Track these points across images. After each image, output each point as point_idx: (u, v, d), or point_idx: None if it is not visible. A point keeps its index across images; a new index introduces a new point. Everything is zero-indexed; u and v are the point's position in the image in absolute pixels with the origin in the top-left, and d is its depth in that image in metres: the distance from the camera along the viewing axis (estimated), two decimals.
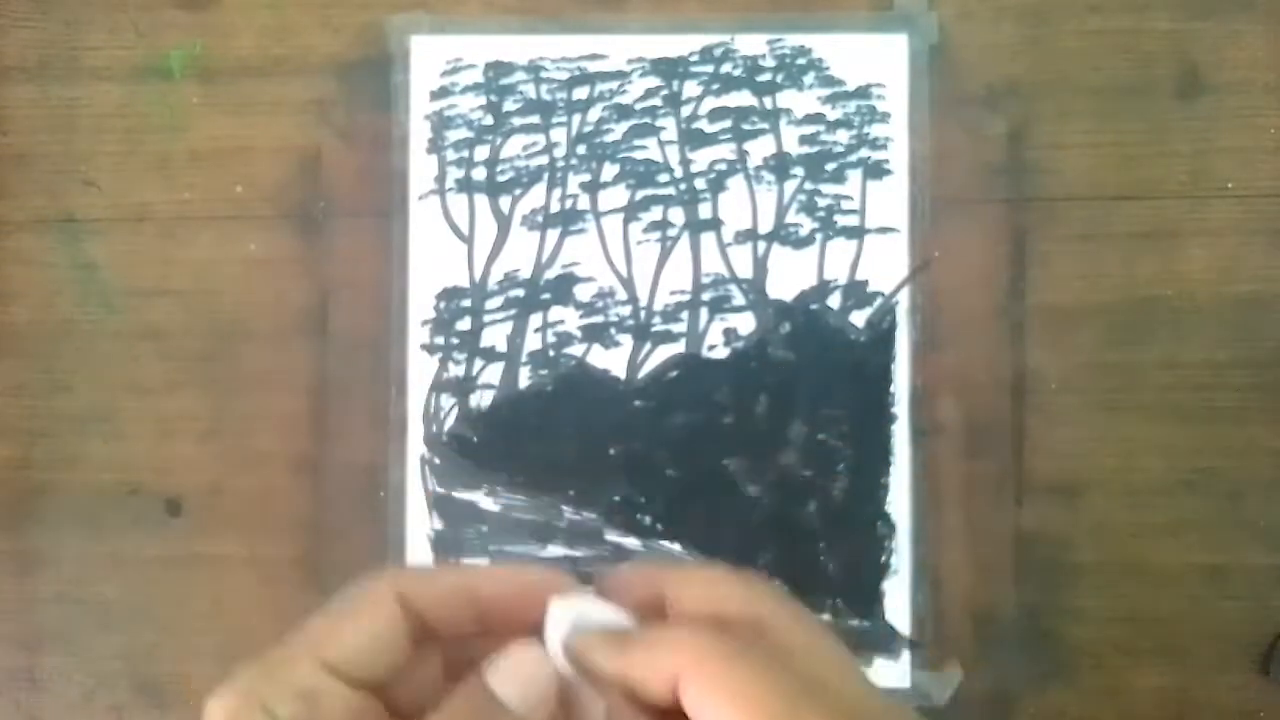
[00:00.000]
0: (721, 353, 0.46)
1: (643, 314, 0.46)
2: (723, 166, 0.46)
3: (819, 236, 0.46)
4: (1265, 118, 0.46)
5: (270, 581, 0.46)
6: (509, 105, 0.46)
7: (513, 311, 0.46)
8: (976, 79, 0.46)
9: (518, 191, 0.46)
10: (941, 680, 0.45)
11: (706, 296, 0.46)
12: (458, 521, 0.46)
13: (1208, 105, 0.46)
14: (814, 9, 0.46)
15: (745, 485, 0.45)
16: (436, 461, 0.46)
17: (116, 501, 0.47)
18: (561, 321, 0.46)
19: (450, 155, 0.46)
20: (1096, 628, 0.45)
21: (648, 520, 0.45)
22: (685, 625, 0.27)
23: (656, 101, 0.46)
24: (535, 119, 0.46)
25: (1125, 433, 0.45)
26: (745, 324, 0.46)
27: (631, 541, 0.45)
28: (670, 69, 0.46)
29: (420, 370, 0.46)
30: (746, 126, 0.46)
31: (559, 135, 0.46)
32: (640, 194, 0.46)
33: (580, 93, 0.46)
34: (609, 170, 0.46)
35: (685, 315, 0.46)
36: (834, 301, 0.46)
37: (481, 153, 0.46)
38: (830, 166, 0.46)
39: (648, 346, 0.46)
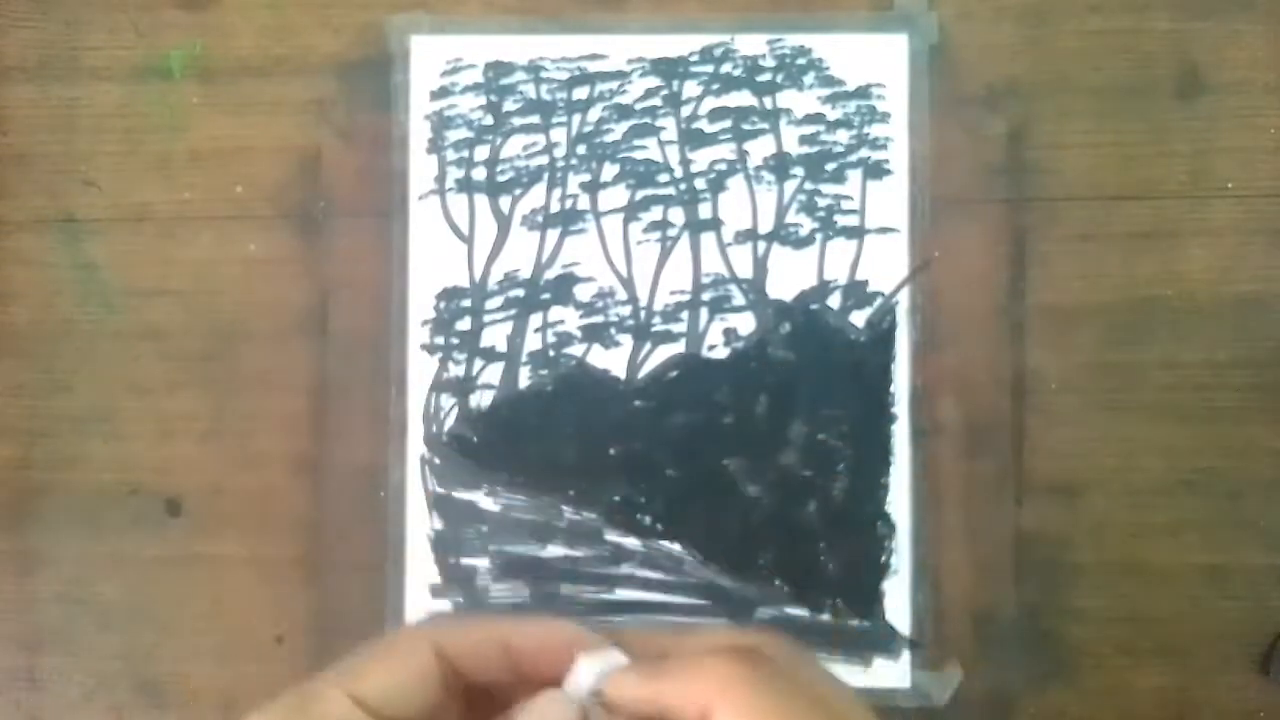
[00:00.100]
0: (721, 353, 0.46)
1: (643, 314, 0.46)
2: (723, 166, 0.46)
3: (819, 236, 0.46)
4: (1265, 118, 0.46)
5: (270, 581, 0.46)
6: (509, 105, 0.46)
7: (513, 311, 0.46)
8: (976, 79, 0.46)
9: (518, 191, 0.46)
10: (941, 680, 0.45)
11: (706, 296, 0.46)
12: (458, 521, 0.46)
13: (1208, 105, 0.46)
14: (814, 9, 0.46)
15: (745, 485, 0.45)
16: (436, 461, 0.46)
17: (116, 501, 0.47)
18: (561, 321, 0.46)
19: (450, 155, 0.46)
20: (1096, 628, 0.45)
21: (648, 520, 0.45)
22: (714, 654, 0.28)
23: (656, 101, 0.46)
24: (535, 119, 0.46)
25: (1125, 433, 0.45)
26: (745, 324, 0.46)
27: (631, 541, 0.45)
28: (670, 69, 0.46)
29: (420, 370, 0.46)
30: (746, 126, 0.46)
31: (559, 135, 0.46)
32: (640, 194, 0.46)
33: (580, 93, 0.46)
34: (609, 170, 0.46)
35: (685, 315, 0.46)
36: (834, 301, 0.46)
37: (481, 153, 0.46)
38: (830, 166, 0.46)
39: (648, 346, 0.46)
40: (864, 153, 0.46)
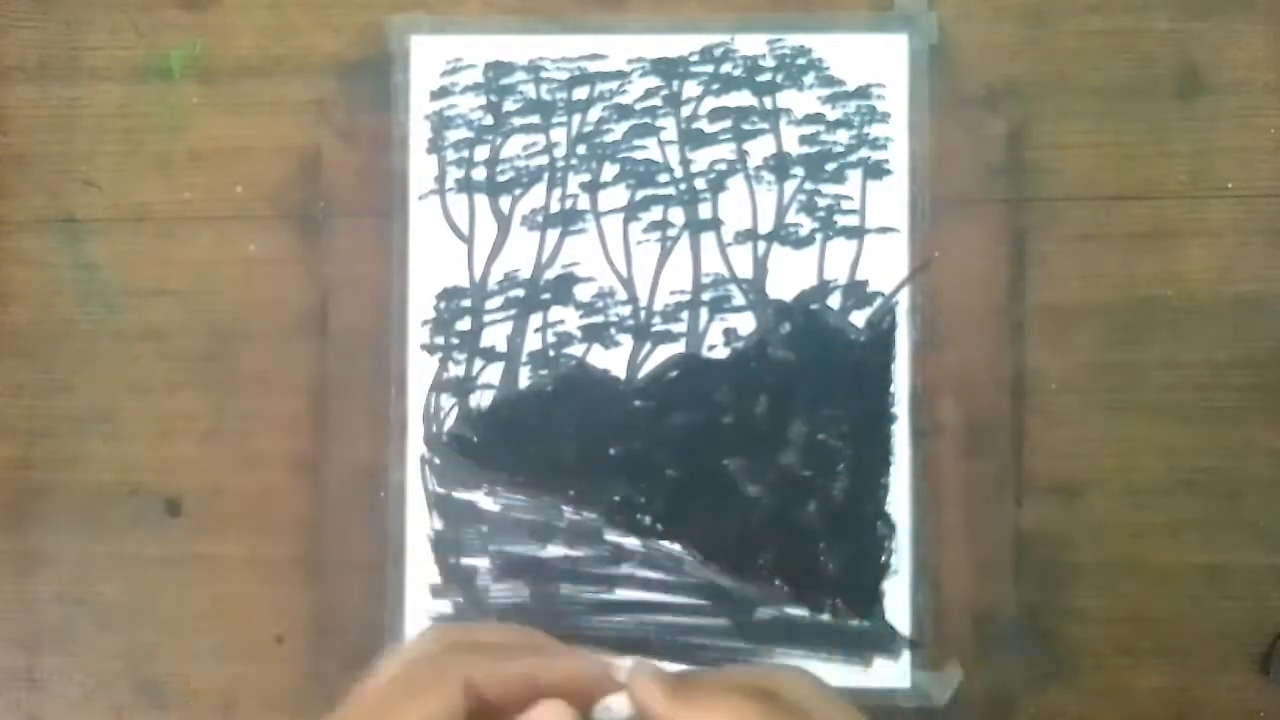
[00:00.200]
0: (721, 353, 0.46)
1: (643, 314, 0.46)
2: (723, 166, 0.46)
3: (819, 236, 0.46)
4: (1265, 118, 0.46)
5: (270, 581, 0.46)
6: (509, 105, 0.46)
7: (513, 311, 0.46)
8: (976, 79, 0.46)
9: (518, 191, 0.46)
10: (941, 680, 0.45)
11: (706, 296, 0.46)
12: (458, 521, 0.46)
13: (1208, 105, 0.46)
14: (814, 9, 0.46)
15: (745, 485, 0.45)
16: (436, 461, 0.46)
17: (116, 501, 0.47)
18: (561, 321, 0.46)
19: (450, 155, 0.46)
20: (1096, 628, 0.45)
21: (648, 520, 0.45)
22: (736, 691, 0.30)
23: (656, 101, 0.46)
24: (535, 119, 0.46)
25: (1125, 433, 0.45)
26: (745, 324, 0.46)
27: (631, 541, 0.45)
28: (670, 69, 0.46)
29: (420, 370, 0.46)
30: (746, 126, 0.46)
31: (559, 135, 0.46)
32: (640, 194, 0.46)
33: (580, 93, 0.46)
34: (609, 170, 0.46)
35: (685, 315, 0.46)
36: (834, 301, 0.46)
37: (481, 153, 0.46)
38: (830, 166, 0.46)
39: (648, 346, 0.46)
40: (864, 153, 0.46)
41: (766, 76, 0.46)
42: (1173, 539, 0.45)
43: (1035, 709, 0.45)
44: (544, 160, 0.46)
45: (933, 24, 0.46)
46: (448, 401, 0.46)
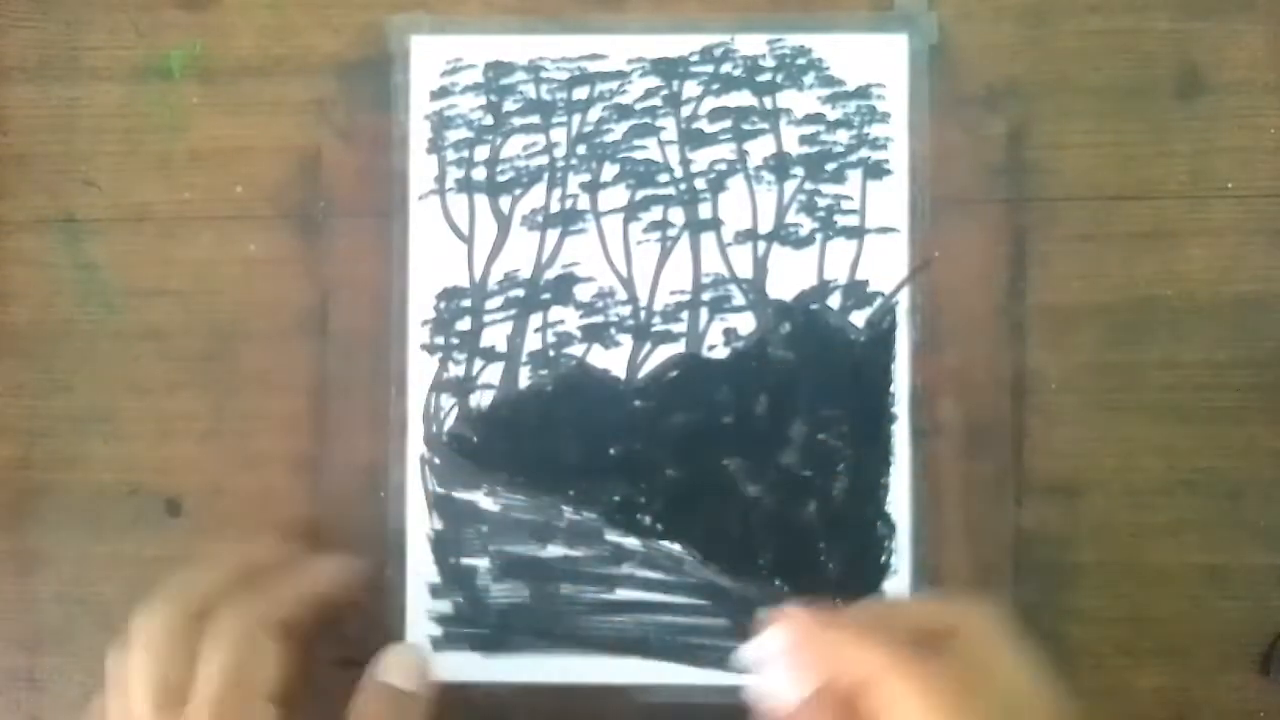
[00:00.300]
0: (721, 353, 0.46)
1: (643, 314, 0.46)
2: (723, 166, 0.46)
3: (819, 236, 0.46)
4: (1265, 118, 0.46)
5: None
6: (509, 105, 0.46)
7: (513, 311, 0.46)
8: (976, 79, 0.46)
9: (518, 191, 0.46)
10: None
11: (706, 296, 0.46)
12: (458, 521, 0.46)
13: (1208, 105, 0.46)
14: (814, 9, 0.46)
15: (745, 485, 0.45)
16: (436, 461, 0.46)
17: (116, 501, 0.47)
18: (561, 321, 0.46)
19: (450, 155, 0.46)
20: (1096, 628, 0.45)
21: (648, 520, 0.45)
22: (889, 634, 0.29)
23: (656, 101, 0.46)
24: (535, 119, 0.46)
25: (1125, 433, 0.45)
26: (745, 324, 0.46)
27: (631, 541, 0.45)
28: (670, 69, 0.46)
29: (420, 370, 0.46)
30: (746, 126, 0.46)
31: (559, 135, 0.46)
32: (640, 194, 0.46)
33: (580, 93, 0.46)
34: (609, 170, 0.46)
35: (685, 315, 0.46)
36: (834, 301, 0.46)
37: (481, 153, 0.46)
38: (830, 166, 0.46)
39: (648, 346, 0.46)
40: (864, 153, 0.46)
41: (766, 76, 0.46)
42: (1173, 539, 0.45)
43: None
44: (544, 160, 0.46)
45: (933, 24, 0.46)
46: (448, 401, 0.46)
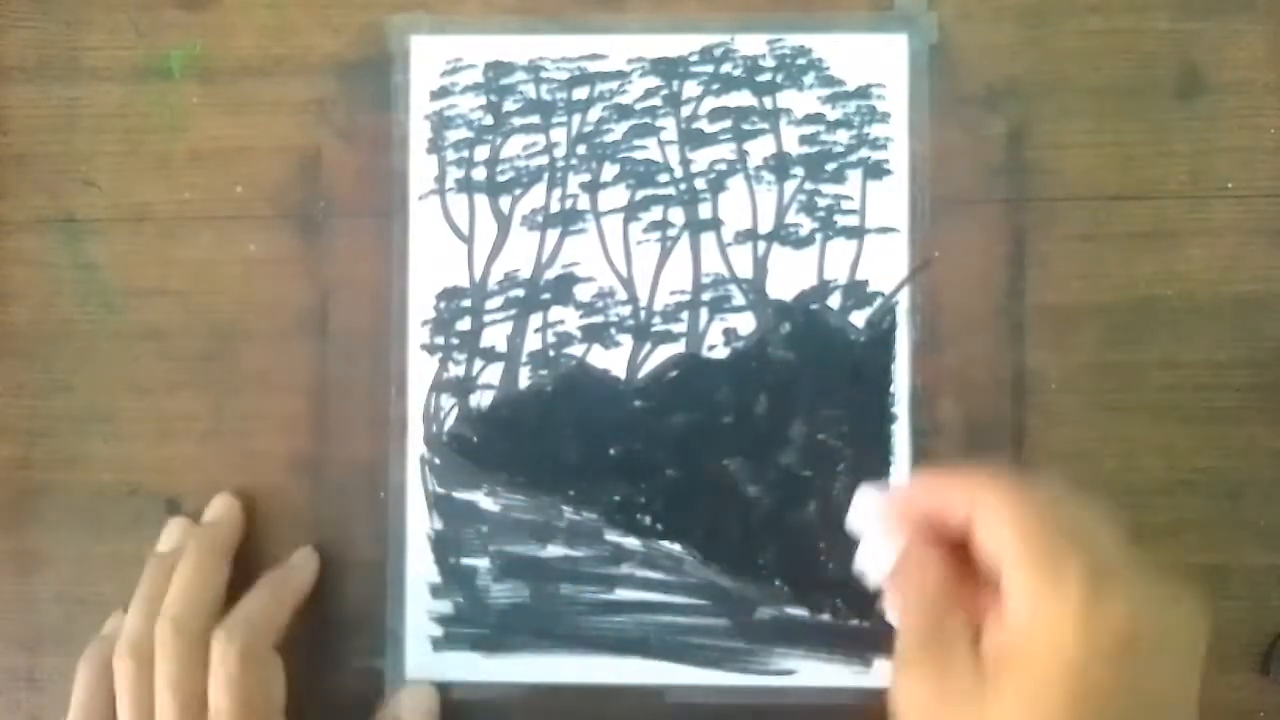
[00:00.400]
0: (721, 353, 0.46)
1: (643, 314, 0.46)
2: (723, 166, 0.46)
3: (819, 236, 0.46)
4: (1265, 118, 0.46)
5: None
6: (509, 105, 0.46)
7: (513, 311, 0.46)
8: (976, 79, 0.46)
9: (518, 191, 0.46)
10: None
11: (706, 296, 0.46)
12: (458, 521, 0.46)
13: (1208, 105, 0.46)
14: (814, 9, 0.46)
15: (745, 485, 0.45)
16: (436, 461, 0.46)
17: (116, 501, 0.47)
18: (561, 321, 0.46)
19: (450, 155, 0.46)
20: None
21: (648, 520, 0.45)
22: (983, 468, 0.33)
23: (656, 101, 0.46)
24: (535, 119, 0.46)
25: (1125, 433, 0.45)
26: (745, 324, 0.46)
27: (631, 541, 0.45)
28: (670, 69, 0.46)
29: (420, 370, 0.46)
30: (746, 126, 0.46)
31: (559, 135, 0.46)
32: (640, 194, 0.46)
33: (580, 93, 0.46)
34: (609, 170, 0.46)
35: (685, 315, 0.46)
36: (834, 301, 0.46)
37: (481, 153, 0.46)
38: (830, 166, 0.46)
39: (648, 346, 0.46)
40: (864, 153, 0.46)
41: (766, 76, 0.46)
42: (1173, 539, 0.45)
43: None
44: (544, 160, 0.46)
45: (933, 24, 0.46)
46: (448, 401, 0.46)
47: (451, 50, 0.46)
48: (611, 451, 0.46)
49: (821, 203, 0.46)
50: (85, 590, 0.47)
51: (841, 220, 0.46)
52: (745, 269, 0.46)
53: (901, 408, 0.45)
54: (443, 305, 0.46)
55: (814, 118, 0.46)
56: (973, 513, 0.32)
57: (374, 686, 0.45)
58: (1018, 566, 0.30)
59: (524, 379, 0.46)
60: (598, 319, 0.46)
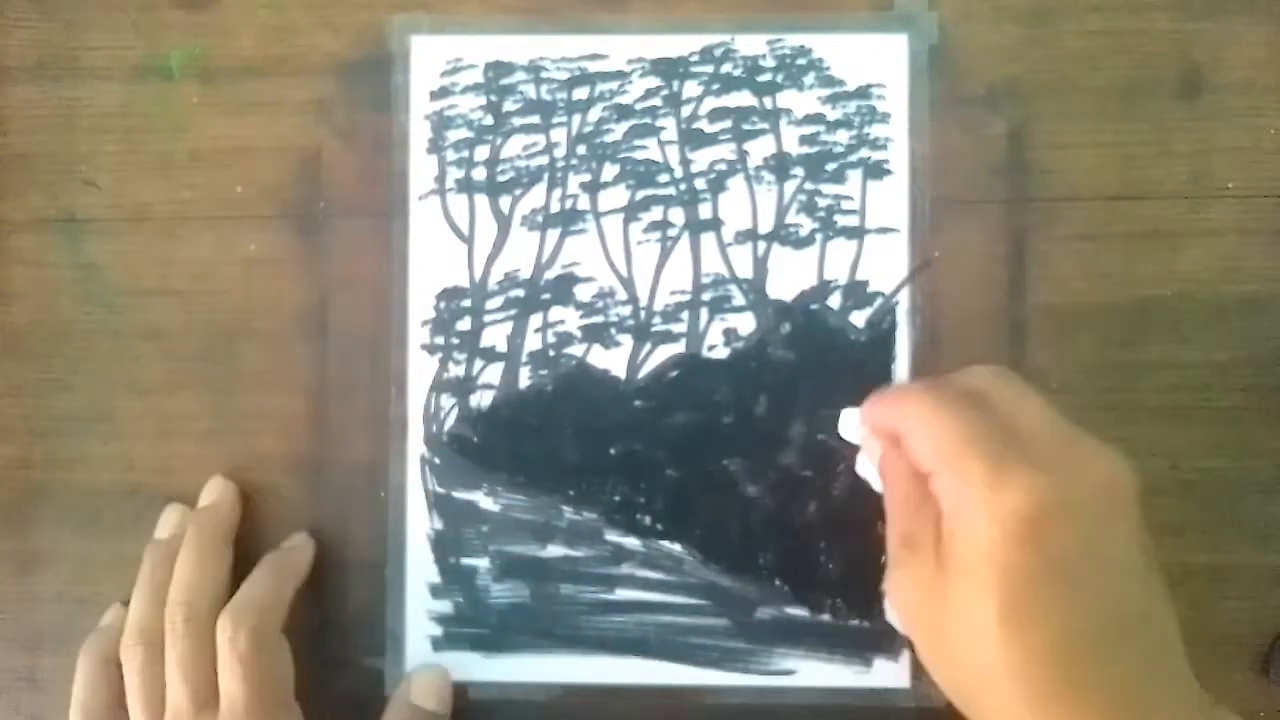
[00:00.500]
0: (721, 353, 0.46)
1: (643, 314, 0.46)
2: (723, 166, 0.46)
3: (819, 236, 0.46)
4: (1265, 118, 0.46)
5: None
6: (509, 105, 0.46)
7: (513, 311, 0.46)
8: (976, 79, 0.46)
9: (518, 191, 0.46)
10: None
11: (706, 296, 0.46)
12: (458, 521, 0.46)
13: (1208, 105, 0.46)
14: (814, 9, 0.46)
15: (745, 485, 0.45)
16: (436, 461, 0.46)
17: (116, 501, 0.47)
18: (561, 321, 0.46)
19: (450, 155, 0.46)
20: None
21: (648, 520, 0.45)
22: (909, 385, 0.38)
23: (656, 101, 0.46)
24: (535, 119, 0.46)
25: (1125, 433, 0.45)
26: (745, 324, 0.46)
27: (631, 541, 0.45)
28: (670, 69, 0.46)
29: (420, 370, 0.46)
30: (746, 126, 0.46)
31: (559, 135, 0.46)
32: (640, 194, 0.46)
33: (580, 93, 0.46)
34: (609, 170, 0.46)
35: (685, 315, 0.46)
36: (834, 301, 0.46)
37: (481, 153, 0.46)
38: (830, 166, 0.46)
39: (648, 346, 0.46)
40: (864, 153, 0.46)
41: (766, 76, 0.46)
42: (1173, 539, 0.45)
43: None
44: (544, 160, 0.46)
45: (933, 24, 0.46)
46: (448, 401, 0.46)
47: (451, 50, 0.46)
48: (612, 451, 0.46)
49: (821, 203, 0.46)
50: (85, 590, 0.47)
51: (841, 220, 0.46)
52: (745, 269, 0.46)
53: None
54: (443, 305, 0.46)
55: (814, 118, 0.46)
56: (902, 431, 0.36)
57: (374, 686, 0.45)
58: (939, 475, 0.34)
59: (524, 379, 0.46)
60: (598, 319, 0.46)
